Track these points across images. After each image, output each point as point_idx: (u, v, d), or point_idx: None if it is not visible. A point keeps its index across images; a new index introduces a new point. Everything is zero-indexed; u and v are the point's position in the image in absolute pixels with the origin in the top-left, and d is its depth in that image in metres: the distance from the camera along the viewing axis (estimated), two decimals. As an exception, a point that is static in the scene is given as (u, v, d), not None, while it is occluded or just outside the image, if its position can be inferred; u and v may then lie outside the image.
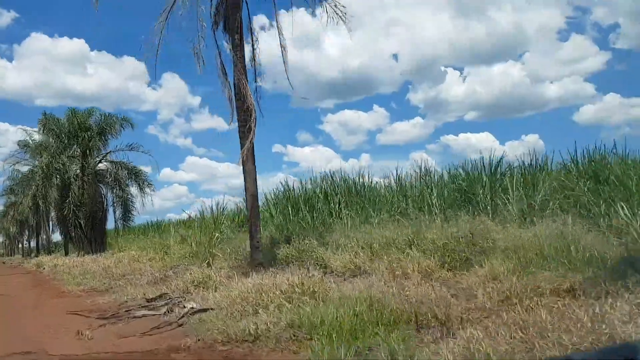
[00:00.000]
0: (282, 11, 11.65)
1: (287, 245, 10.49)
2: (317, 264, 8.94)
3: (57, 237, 44.61)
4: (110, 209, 24.11)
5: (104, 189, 23.87)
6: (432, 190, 11.45)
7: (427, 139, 64.12)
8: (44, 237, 39.26)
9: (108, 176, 23.07)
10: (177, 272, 11.49)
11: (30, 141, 32.02)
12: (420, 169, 12.78)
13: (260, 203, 11.03)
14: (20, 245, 74.83)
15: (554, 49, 57.38)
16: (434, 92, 65.61)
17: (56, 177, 22.23)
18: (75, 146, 23.11)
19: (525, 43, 59.77)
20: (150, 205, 23.98)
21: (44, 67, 69.55)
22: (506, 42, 59.41)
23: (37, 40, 62.36)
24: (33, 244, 65.17)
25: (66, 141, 22.62)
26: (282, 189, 14.75)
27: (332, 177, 13.86)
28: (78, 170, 23.05)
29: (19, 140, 33.19)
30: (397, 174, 13.33)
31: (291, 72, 10.60)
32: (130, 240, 24.89)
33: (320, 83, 64.35)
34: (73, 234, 22.30)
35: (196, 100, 63.17)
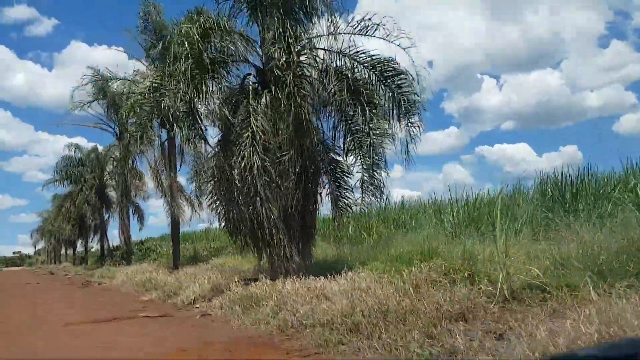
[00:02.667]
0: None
1: None
2: None
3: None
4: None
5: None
6: None
7: (462, 150, 58.75)
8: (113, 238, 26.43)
9: (327, 83, 9.65)
10: None
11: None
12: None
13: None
14: (64, 252, 63.64)
15: (593, 55, 52.19)
16: (470, 100, 59.05)
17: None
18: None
19: (563, 49, 53.26)
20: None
21: (83, 75, 64.21)
22: (543, 48, 52.61)
23: (77, 49, 64.02)
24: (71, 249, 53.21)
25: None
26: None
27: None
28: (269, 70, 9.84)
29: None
30: None
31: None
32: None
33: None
34: (265, 222, 8.85)
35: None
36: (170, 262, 18.03)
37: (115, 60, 55.54)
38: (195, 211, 17.27)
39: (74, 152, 29.12)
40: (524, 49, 52.00)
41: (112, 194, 29.56)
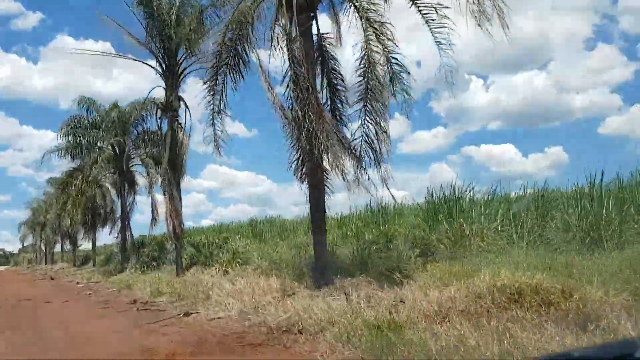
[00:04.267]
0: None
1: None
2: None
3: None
4: None
5: None
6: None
7: (449, 150, 58.68)
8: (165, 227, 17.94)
9: None
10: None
11: None
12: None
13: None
14: (61, 248, 54.76)
15: (580, 57, 52.36)
16: (457, 100, 57.81)
17: None
18: None
19: (551, 51, 52.90)
20: None
21: (69, 69, 65.91)
22: (531, 50, 52.13)
23: (63, 43, 58.40)
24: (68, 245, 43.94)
25: None
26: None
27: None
28: None
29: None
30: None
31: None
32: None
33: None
34: None
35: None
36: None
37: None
38: (363, 168, 8.89)
39: (87, 110, 20.69)
40: (511, 51, 51.33)
41: (137, 168, 21.35)
